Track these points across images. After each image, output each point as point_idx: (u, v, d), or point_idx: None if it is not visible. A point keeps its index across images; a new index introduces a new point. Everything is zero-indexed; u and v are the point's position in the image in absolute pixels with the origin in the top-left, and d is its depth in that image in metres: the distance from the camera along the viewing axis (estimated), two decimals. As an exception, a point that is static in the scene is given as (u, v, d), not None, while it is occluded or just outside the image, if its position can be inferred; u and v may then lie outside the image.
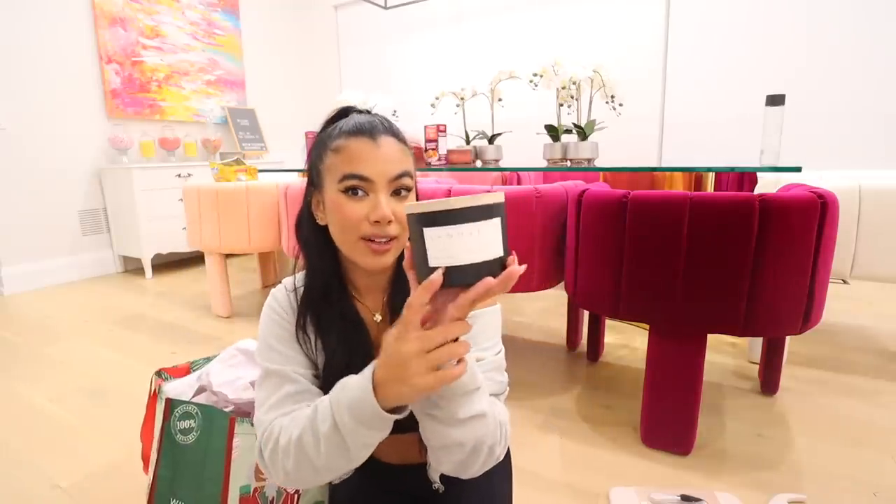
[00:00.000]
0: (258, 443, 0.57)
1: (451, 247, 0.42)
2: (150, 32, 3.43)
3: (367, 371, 0.48)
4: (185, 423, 0.81)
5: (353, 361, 0.59)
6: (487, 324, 0.62)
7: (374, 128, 0.59)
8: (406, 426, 0.55)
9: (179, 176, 3.32)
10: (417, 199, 0.64)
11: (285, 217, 2.12)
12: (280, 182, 2.28)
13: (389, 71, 4.25)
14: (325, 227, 0.62)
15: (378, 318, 0.66)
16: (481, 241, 0.42)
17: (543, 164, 1.99)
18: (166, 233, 3.24)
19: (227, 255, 2.42)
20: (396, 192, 0.59)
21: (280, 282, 0.68)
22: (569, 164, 1.92)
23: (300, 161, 3.78)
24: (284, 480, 0.55)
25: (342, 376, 0.52)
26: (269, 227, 2.27)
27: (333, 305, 0.64)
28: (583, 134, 1.87)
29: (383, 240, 0.58)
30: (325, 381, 0.61)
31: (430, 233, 0.42)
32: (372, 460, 0.63)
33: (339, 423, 0.48)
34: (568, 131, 1.93)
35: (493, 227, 0.43)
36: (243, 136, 3.97)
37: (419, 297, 0.43)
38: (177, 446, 0.81)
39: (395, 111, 2.63)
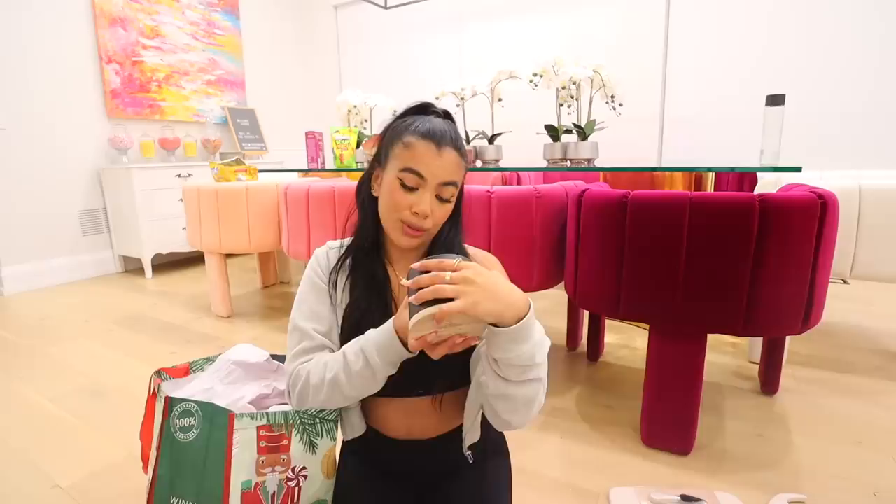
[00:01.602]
0: (286, 384, 0.73)
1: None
2: (150, 32, 3.43)
3: (389, 324, 0.64)
4: (185, 421, 0.81)
5: (372, 308, 0.72)
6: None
7: (443, 137, 0.68)
8: (413, 388, 0.72)
9: (179, 176, 3.32)
10: (461, 197, 0.76)
11: (285, 217, 2.12)
12: (280, 182, 2.28)
13: (389, 71, 4.25)
14: (376, 199, 0.74)
15: (405, 281, 0.70)
16: None
17: (543, 164, 1.99)
18: (166, 233, 3.24)
19: (227, 255, 2.42)
20: (440, 197, 0.69)
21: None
22: (569, 164, 1.92)
23: (300, 161, 3.78)
24: (313, 406, 0.71)
25: (361, 319, 0.70)
26: (269, 227, 2.27)
27: (370, 261, 0.75)
28: (583, 134, 1.87)
29: (416, 228, 0.69)
30: (346, 322, 0.73)
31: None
32: (378, 436, 0.76)
33: (371, 363, 0.64)
34: (568, 131, 1.93)
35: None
36: (243, 136, 3.97)
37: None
38: (176, 444, 0.81)
39: (395, 111, 2.64)
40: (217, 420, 0.81)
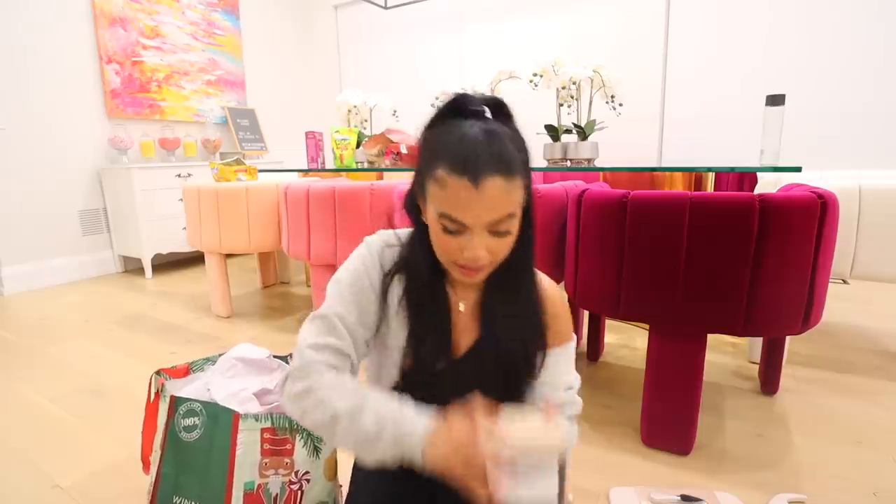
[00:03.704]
0: (289, 370, 0.61)
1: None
2: (150, 32, 3.43)
3: (419, 432, 0.55)
4: (190, 421, 0.81)
5: (427, 337, 0.64)
6: (565, 358, 0.69)
7: (478, 166, 0.53)
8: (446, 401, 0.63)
9: (179, 176, 3.32)
10: (529, 213, 0.61)
11: (285, 217, 2.12)
12: (280, 182, 2.27)
13: (389, 71, 4.25)
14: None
15: (462, 307, 0.68)
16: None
17: (543, 164, 1.99)
18: (166, 233, 3.24)
19: (227, 255, 2.42)
20: (496, 233, 0.57)
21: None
22: (569, 164, 1.92)
23: (300, 161, 3.78)
24: (295, 415, 0.60)
25: (414, 347, 0.63)
26: (269, 227, 2.27)
27: (428, 286, 0.65)
28: (583, 134, 1.87)
29: (472, 269, 0.59)
30: (400, 351, 0.65)
31: None
32: None
33: (382, 437, 0.55)
34: (568, 131, 1.93)
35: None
36: (243, 136, 3.97)
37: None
38: (181, 443, 0.81)
39: (395, 111, 2.64)
40: (221, 420, 0.81)
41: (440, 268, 0.64)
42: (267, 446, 0.81)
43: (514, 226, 0.58)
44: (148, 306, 2.56)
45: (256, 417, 0.81)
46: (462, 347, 0.68)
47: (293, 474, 0.83)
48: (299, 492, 0.83)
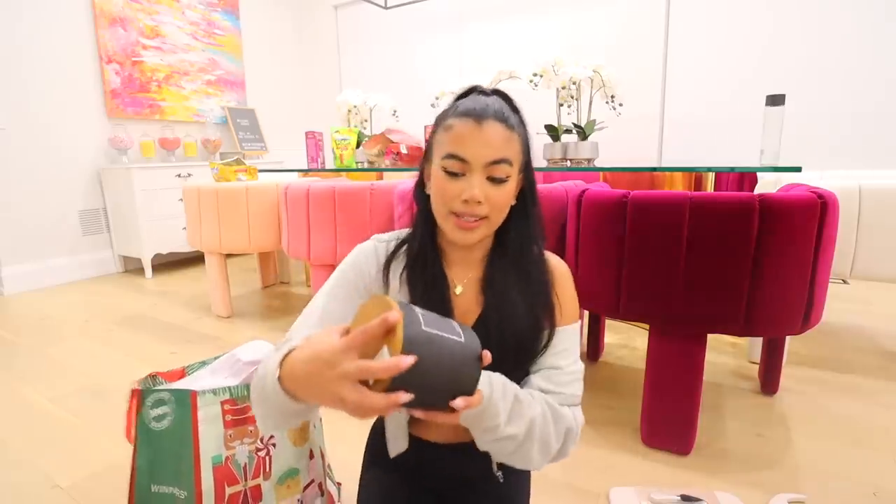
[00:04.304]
0: None
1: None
2: (150, 32, 3.43)
3: (279, 358, 0.51)
4: (159, 410, 0.82)
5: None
6: (568, 337, 0.66)
7: (484, 111, 0.60)
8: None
9: (179, 176, 3.32)
10: (528, 185, 0.67)
11: (285, 217, 2.12)
12: (280, 182, 2.27)
13: (389, 71, 4.25)
14: (429, 196, 0.66)
15: (459, 290, 0.68)
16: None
17: (543, 164, 1.99)
18: (166, 233, 3.24)
19: (227, 255, 2.42)
20: (492, 178, 0.60)
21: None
22: (569, 164, 1.92)
23: (300, 161, 3.78)
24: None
25: None
26: (269, 227, 2.26)
27: (426, 267, 0.67)
28: (583, 134, 1.87)
29: (472, 218, 0.61)
30: None
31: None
32: (418, 443, 0.71)
33: (263, 384, 0.53)
34: (568, 131, 1.93)
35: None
36: (243, 136, 3.97)
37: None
38: (153, 434, 0.82)
39: (395, 111, 2.64)
40: (184, 402, 0.82)
41: (438, 248, 0.68)
42: (229, 418, 0.83)
43: (512, 175, 0.62)
44: (148, 306, 2.56)
45: (214, 391, 0.82)
46: None
47: (259, 440, 0.84)
48: (267, 458, 0.85)
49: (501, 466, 0.70)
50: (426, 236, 0.68)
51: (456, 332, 0.49)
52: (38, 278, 2.95)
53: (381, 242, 0.70)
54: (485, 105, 0.60)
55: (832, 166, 2.58)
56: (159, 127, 3.54)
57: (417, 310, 0.48)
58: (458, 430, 0.67)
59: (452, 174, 0.61)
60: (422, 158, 0.69)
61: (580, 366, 0.67)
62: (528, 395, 0.59)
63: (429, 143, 0.67)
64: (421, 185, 0.69)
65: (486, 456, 0.66)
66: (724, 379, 1.62)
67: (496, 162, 0.60)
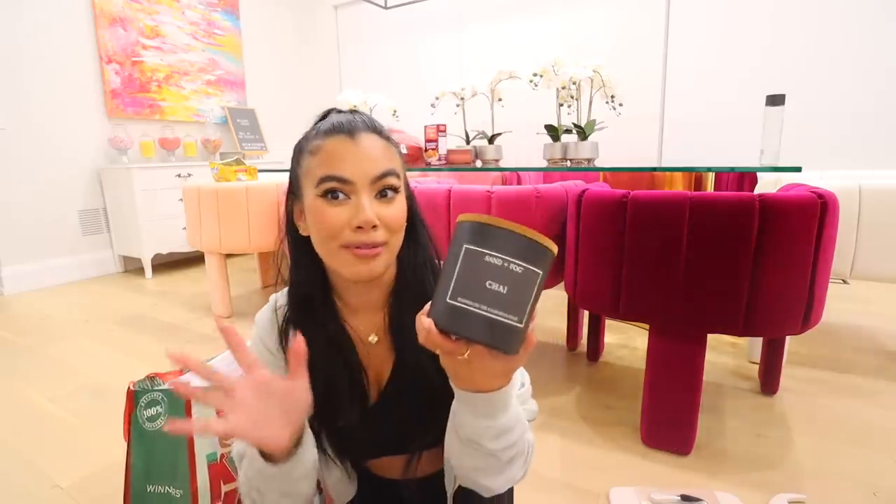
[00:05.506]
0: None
1: (480, 281, 0.37)
2: (150, 32, 3.43)
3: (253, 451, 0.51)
4: (152, 410, 0.82)
5: (335, 385, 0.57)
6: None
7: (354, 125, 0.54)
8: (398, 449, 0.62)
9: (179, 176, 3.32)
10: (412, 203, 0.60)
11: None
12: (280, 182, 2.28)
13: (389, 71, 4.25)
14: (308, 238, 0.57)
15: (374, 339, 0.62)
16: (514, 294, 0.38)
17: (543, 164, 1.99)
18: (166, 233, 3.24)
19: (227, 255, 2.42)
20: (382, 194, 0.54)
21: (277, 290, 0.66)
22: (569, 164, 1.92)
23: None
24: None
25: (324, 401, 0.54)
26: (269, 227, 2.26)
27: (318, 323, 0.59)
28: (583, 134, 1.87)
29: (369, 246, 0.53)
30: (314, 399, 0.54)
31: (469, 253, 0.38)
32: (372, 479, 0.67)
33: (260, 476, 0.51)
34: (568, 131, 1.93)
35: (533, 280, 0.38)
36: (243, 136, 3.97)
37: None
38: (146, 434, 0.82)
39: (395, 111, 2.64)
40: (177, 401, 0.82)
41: (332, 301, 0.60)
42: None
43: (399, 188, 0.55)
44: (148, 306, 2.56)
45: (206, 390, 0.82)
46: (381, 383, 0.62)
47: None
48: None
49: (458, 498, 0.63)
50: (312, 287, 0.59)
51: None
52: (38, 278, 2.95)
53: (279, 308, 0.62)
54: (351, 118, 0.55)
55: (832, 166, 2.58)
56: (159, 127, 3.54)
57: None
58: (397, 467, 0.65)
59: (334, 198, 0.52)
60: (286, 199, 0.61)
61: (528, 384, 0.61)
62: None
63: (291, 177, 0.59)
64: (293, 230, 0.60)
65: (441, 491, 0.63)
66: (724, 379, 1.62)
67: (383, 175, 0.53)
